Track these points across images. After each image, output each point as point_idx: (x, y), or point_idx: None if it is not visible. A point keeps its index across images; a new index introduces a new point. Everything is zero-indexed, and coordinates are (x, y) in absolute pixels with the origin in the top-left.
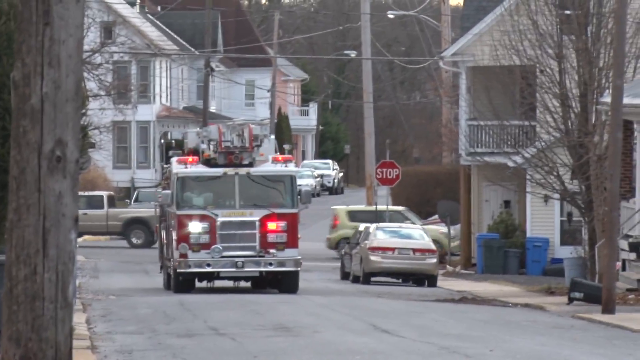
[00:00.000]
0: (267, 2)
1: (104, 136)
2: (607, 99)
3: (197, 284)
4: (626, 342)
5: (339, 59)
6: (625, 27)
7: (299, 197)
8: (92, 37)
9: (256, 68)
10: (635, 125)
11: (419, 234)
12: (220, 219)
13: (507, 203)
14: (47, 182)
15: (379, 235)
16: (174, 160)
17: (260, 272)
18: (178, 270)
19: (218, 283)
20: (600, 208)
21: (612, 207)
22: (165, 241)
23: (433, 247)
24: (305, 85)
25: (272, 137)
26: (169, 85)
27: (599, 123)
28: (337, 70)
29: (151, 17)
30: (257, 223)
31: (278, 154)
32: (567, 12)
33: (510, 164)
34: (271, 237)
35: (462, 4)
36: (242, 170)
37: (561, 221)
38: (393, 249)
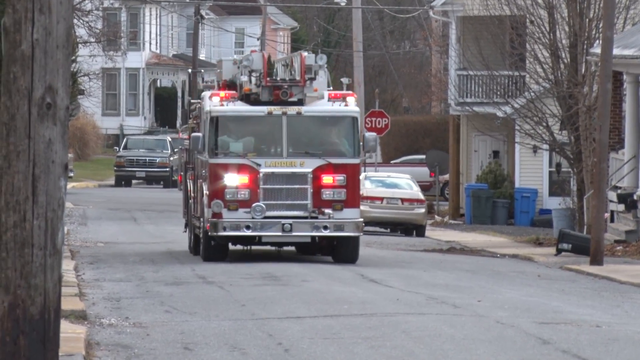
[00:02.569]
0: None
1: (94, 83)
2: (597, 49)
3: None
4: (614, 294)
5: (329, 8)
6: None
7: (361, 143)
8: None
9: (246, 16)
10: (624, 76)
11: (407, 184)
12: (263, 170)
13: (496, 153)
14: (37, 128)
15: (367, 184)
16: (206, 94)
17: (313, 237)
18: (210, 234)
19: (256, 248)
20: (589, 159)
21: (601, 158)
22: (192, 195)
23: (421, 196)
24: (295, 33)
25: (326, 69)
26: (158, 32)
27: (588, 74)
28: (327, 18)
29: None
30: (310, 176)
31: (332, 89)
32: None
33: (500, 114)
34: (327, 194)
35: None
36: (292, 109)
37: (550, 172)
38: (381, 199)
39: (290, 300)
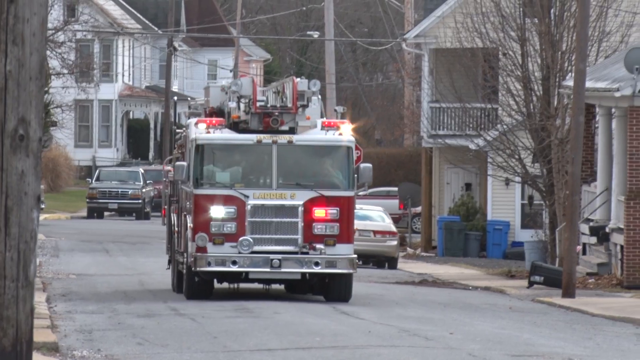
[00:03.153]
0: None
1: (66, 115)
2: (569, 82)
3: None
4: (586, 326)
5: (302, 40)
6: (588, 10)
7: (355, 175)
8: (55, 15)
9: (219, 48)
10: (597, 109)
11: (379, 216)
12: (251, 202)
13: (468, 186)
14: (10, 160)
15: None
16: (191, 122)
17: (303, 273)
18: (194, 269)
19: (243, 286)
20: (561, 192)
21: (574, 190)
22: (176, 229)
23: (394, 229)
24: (268, 65)
25: (320, 96)
26: (131, 64)
27: (561, 106)
28: (300, 50)
29: None
30: (301, 209)
31: (325, 118)
32: None
33: (472, 146)
34: (319, 228)
35: None
36: (283, 138)
37: (522, 204)
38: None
39: (262, 333)
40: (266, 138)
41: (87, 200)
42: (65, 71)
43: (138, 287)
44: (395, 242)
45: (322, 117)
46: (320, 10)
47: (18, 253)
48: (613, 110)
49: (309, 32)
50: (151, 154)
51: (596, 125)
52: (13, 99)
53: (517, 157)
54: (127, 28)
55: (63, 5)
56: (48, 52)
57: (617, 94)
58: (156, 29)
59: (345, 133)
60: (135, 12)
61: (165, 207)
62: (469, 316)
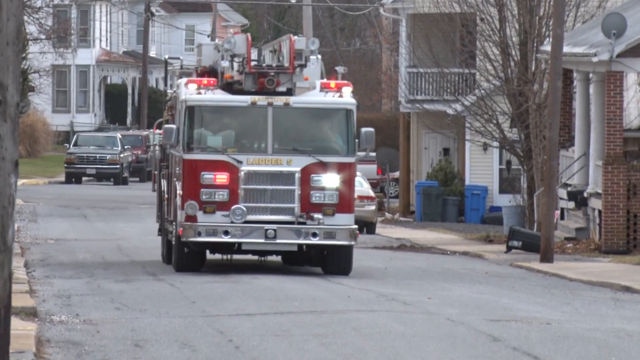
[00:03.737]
0: None
1: (44, 80)
2: (547, 47)
3: (209, 256)
4: (564, 291)
5: (279, 5)
6: None
7: (356, 140)
8: None
9: (196, 13)
10: (574, 74)
11: (357, 181)
12: (245, 168)
13: (446, 151)
14: None
15: None
16: (181, 82)
17: (300, 245)
18: (183, 239)
19: (237, 257)
20: (539, 157)
21: (551, 155)
22: (166, 196)
23: (372, 194)
24: (245, 31)
25: (319, 56)
26: (109, 29)
27: (538, 71)
28: (277, 16)
29: None
30: (298, 175)
31: (325, 79)
32: None
33: (450, 111)
34: (317, 197)
35: None
36: (279, 100)
37: (500, 169)
38: None
39: (240, 298)
40: (261, 100)
41: (65, 165)
42: (43, 36)
43: (116, 252)
44: (373, 207)
45: (322, 78)
46: None
47: None
48: (590, 75)
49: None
50: (129, 120)
51: (574, 90)
52: None
53: (494, 122)
54: None
55: None
56: (25, 18)
57: (595, 59)
58: None
59: (346, 95)
60: None
61: (156, 172)
62: (447, 281)
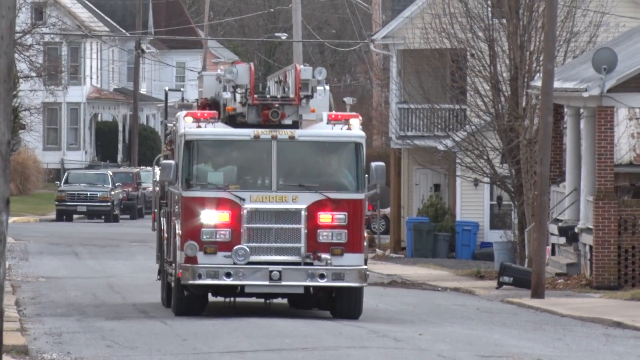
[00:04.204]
0: None
1: (35, 117)
2: (537, 82)
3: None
4: (555, 327)
5: (270, 42)
6: (556, 11)
7: (366, 175)
8: (23, 18)
9: (187, 50)
10: (565, 109)
11: None
12: (248, 206)
13: (437, 187)
14: None
15: None
16: (180, 115)
17: (307, 287)
18: (183, 282)
19: (241, 300)
20: (530, 192)
21: (542, 191)
22: (165, 235)
23: None
24: None
25: (327, 87)
26: (99, 67)
27: (529, 107)
28: (268, 52)
29: None
30: (304, 213)
31: (333, 111)
32: None
33: (441, 147)
34: (324, 235)
35: None
36: (284, 133)
37: (491, 205)
38: None
39: (232, 335)
40: (265, 133)
41: (56, 203)
42: (34, 74)
43: (107, 290)
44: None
45: (331, 110)
46: (287, 12)
47: None
48: (581, 110)
49: (276, 34)
50: (120, 157)
51: (564, 126)
52: None
53: (485, 157)
54: (95, 31)
55: (31, 8)
56: (16, 55)
57: (585, 94)
58: (124, 31)
59: (355, 127)
60: (103, 15)
61: (155, 210)
62: (438, 317)
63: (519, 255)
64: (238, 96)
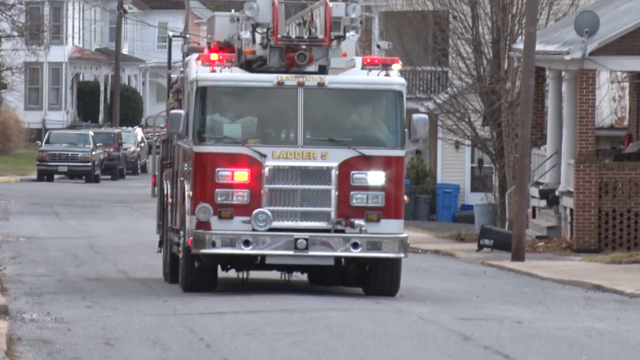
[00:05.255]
0: None
1: (16, 77)
2: (519, 45)
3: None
4: (535, 290)
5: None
6: None
7: (406, 129)
8: None
9: (169, 10)
10: (547, 72)
11: None
12: (269, 163)
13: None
14: None
15: None
16: (191, 58)
17: (338, 258)
18: (193, 251)
19: (255, 275)
20: (511, 155)
21: (523, 154)
22: (170, 200)
23: None
24: None
25: (360, 27)
26: (81, 26)
27: (511, 70)
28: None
29: None
30: (335, 172)
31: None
32: None
33: (422, 109)
34: (359, 198)
35: None
36: (312, 79)
37: (472, 167)
38: None
39: (212, 296)
40: (290, 79)
41: (37, 162)
42: (15, 33)
43: (88, 251)
44: None
45: (358, 53)
46: None
47: None
48: (563, 73)
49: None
50: (101, 117)
51: (546, 89)
52: None
53: (467, 120)
54: None
55: None
56: None
57: (567, 57)
58: None
59: (394, 74)
60: None
61: (156, 173)
62: (419, 280)
63: (499, 218)
64: (258, 37)
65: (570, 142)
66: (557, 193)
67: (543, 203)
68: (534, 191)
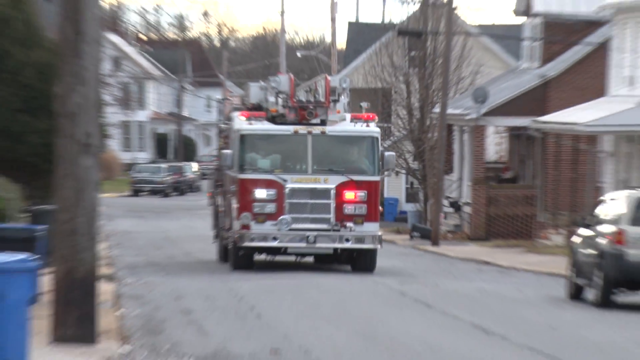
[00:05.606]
0: (219, 45)
1: (115, 130)
2: (437, 110)
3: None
4: (446, 264)
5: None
6: (449, 64)
7: (380, 162)
8: (106, 66)
9: (212, 87)
10: (454, 127)
11: None
12: (289, 186)
13: None
14: (79, 160)
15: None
16: (235, 115)
17: (335, 248)
18: (239, 245)
19: (277, 258)
20: (431, 179)
21: (439, 178)
22: (221, 209)
23: None
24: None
25: (348, 92)
26: (157, 97)
27: (431, 125)
28: None
29: (144, 53)
30: (333, 191)
31: (350, 110)
32: (413, 53)
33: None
34: (349, 209)
35: (345, 48)
36: (317, 129)
37: (406, 187)
38: None
39: (248, 272)
40: (302, 129)
41: (130, 184)
42: (114, 102)
43: (164, 240)
44: None
45: (346, 111)
46: (277, 64)
47: (86, 218)
48: (464, 127)
49: (270, 77)
50: (170, 156)
51: (453, 138)
52: (80, 120)
53: (403, 157)
54: (153, 74)
55: (111, 59)
56: (102, 90)
57: (467, 117)
58: (172, 75)
59: (372, 125)
60: (158, 64)
61: (212, 190)
62: None
63: (424, 219)
64: (280, 100)
65: (468, 171)
66: (460, 203)
67: (451, 210)
68: (446, 202)
